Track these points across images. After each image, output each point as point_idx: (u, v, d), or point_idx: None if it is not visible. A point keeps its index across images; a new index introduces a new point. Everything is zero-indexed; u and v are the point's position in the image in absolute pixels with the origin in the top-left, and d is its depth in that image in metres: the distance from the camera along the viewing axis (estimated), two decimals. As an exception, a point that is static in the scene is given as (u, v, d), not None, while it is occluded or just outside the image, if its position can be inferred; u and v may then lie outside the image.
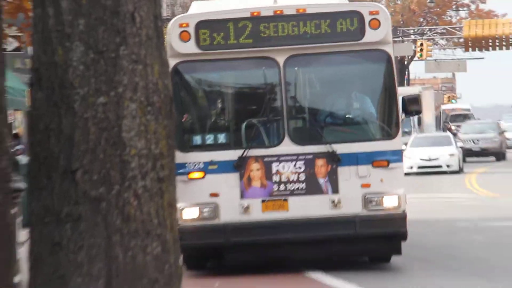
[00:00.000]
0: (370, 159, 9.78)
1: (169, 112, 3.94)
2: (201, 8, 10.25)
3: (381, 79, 10.05)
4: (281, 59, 9.48)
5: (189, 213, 9.82)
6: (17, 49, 17.47)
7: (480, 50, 69.36)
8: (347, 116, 10.35)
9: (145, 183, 3.56)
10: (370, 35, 9.95)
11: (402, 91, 15.96)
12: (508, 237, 16.26)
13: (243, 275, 10.19)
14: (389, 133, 10.06)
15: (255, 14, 9.72)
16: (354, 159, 9.79)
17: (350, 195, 9.90)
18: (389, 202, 9.99)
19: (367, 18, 9.92)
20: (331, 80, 10.33)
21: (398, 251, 10.46)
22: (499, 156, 48.22)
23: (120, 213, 3.46)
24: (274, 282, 9.99)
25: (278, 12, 9.73)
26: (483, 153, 48.00)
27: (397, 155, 9.95)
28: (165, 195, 3.70)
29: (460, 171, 38.50)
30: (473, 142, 47.05)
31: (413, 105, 10.17)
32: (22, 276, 7.31)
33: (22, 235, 8.83)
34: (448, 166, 40.07)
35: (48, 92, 3.62)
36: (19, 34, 10.61)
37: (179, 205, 8.46)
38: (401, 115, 10.29)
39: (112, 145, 3.49)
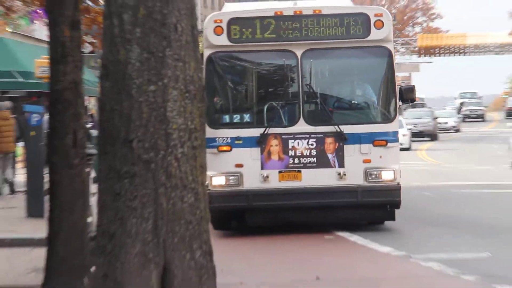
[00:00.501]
0: (371, 138, 11.00)
1: (202, 97, 5.14)
2: (232, 8, 11.94)
3: (382, 71, 11.36)
4: (299, 52, 10.90)
5: (217, 181, 10.83)
6: (91, 52, 19.53)
7: (430, 56, 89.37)
8: (353, 101, 11.77)
9: (183, 150, 4.75)
10: (375, 34, 11.23)
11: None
12: (450, 193, 20.00)
13: (262, 235, 11.25)
14: (388, 117, 11.36)
15: (278, 13, 11.14)
16: (358, 139, 10.98)
17: (354, 169, 11.05)
18: (386, 176, 11.21)
19: (373, 19, 11.24)
20: (340, 71, 11.83)
21: (393, 218, 11.69)
22: (433, 137, 58.17)
23: (165, 171, 4.66)
24: (291, 240, 11.01)
25: (298, 12, 11.23)
26: (421, 134, 56.63)
27: (394, 136, 11.36)
28: (198, 159, 4.94)
29: (409, 148, 44.15)
30: (414, 126, 54.24)
31: (409, 94, 11.67)
32: (93, 218, 8.36)
33: (93, 188, 9.72)
34: (401, 144, 43.94)
35: (113, 82, 4.78)
36: (93, 41, 11.61)
37: (209, 173, 10.10)
38: (399, 102, 11.73)
39: (159, 121, 4.62)
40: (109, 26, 4.94)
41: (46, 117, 17.42)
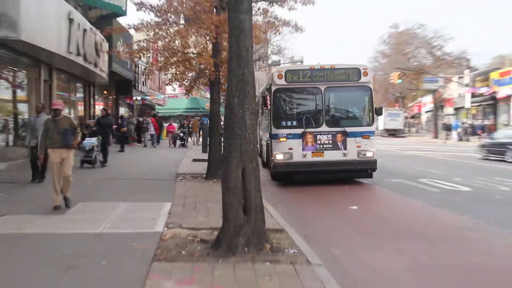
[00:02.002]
0: (361, 134, 17.94)
1: (256, 113, 9.76)
2: (287, 66, 20.18)
3: (367, 99, 17.95)
4: (322, 88, 18.09)
5: (279, 157, 17.98)
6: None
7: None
8: (351, 115, 18.28)
9: (250, 131, 9.44)
10: (363, 79, 17.80)
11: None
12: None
13: (304, 186, 17.68)
14: (370, 123, 17.93)
15: (312, 67, 17.96)
16: (354, 134, 17.87)
17: (352, 151, 17.90)
18: (369, 154, 17.70)
19: (362, 71, 17.93)
20: (344, 98, 18.15)
21: (371, 176, 18.97)
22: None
23: (244, 137, 9.46)
24: (320, 188, 17.54)
25: (322, 67, 17.85)
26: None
27: (373, 133, 17.72)
28: (254, 135, 9.71)
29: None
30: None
31: (379, 111, 18.63)
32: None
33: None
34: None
35: (229, 109, 9.71)
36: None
37: (275, 153, 18.23)
38: (375, 115, 18.43)
39: (243, 121, 9.40)
40: (227, 92, 9.62)
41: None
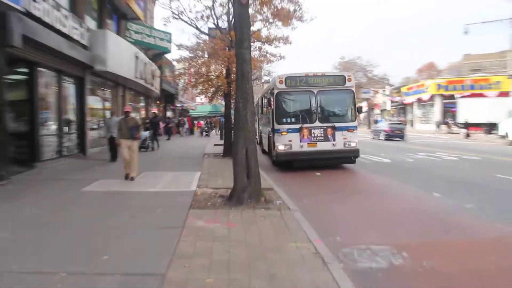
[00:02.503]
0: (347, 128, 15.38)
1: (255, 113, 10.56)
2: (286, 73, 15.64)
3: (350, 100, 15.75)
4: (315, 91, 15.35)
5: (280, 147, 15.16)
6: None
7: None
8: (338, 112, 15.82)
9: (250, 126, 9.18)
10: (347, 84, 15.61)
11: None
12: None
13: (300, 171, 15.29)
14: (353, 119, 15.66)
15: (306, 74, 15.46)
16: (341, 128, 15.29)
17: (339, 141, 15.28)
18: (353, 144, 15.45)
19: (347, 77, 15.71)
20: (333, 100, 15.80)
21: (355, 162, 16.01)
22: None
23: (246, 129, 9.15)
24: (314, 171, 15.09)
25: (315, 74, 15.50)
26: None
27: (356, 127, 15.60)
28: (253, 129, 9.40)
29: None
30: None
31: (360, 109, 16.28)
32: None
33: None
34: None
35: (236, 110, 9.46)
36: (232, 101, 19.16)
37: (277, 144, 15.24)
38: (357, 113, 15.85)
39: (245, 119, 9.17)
40: (235, 100, 9.66)
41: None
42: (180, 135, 39.54)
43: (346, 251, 6.36)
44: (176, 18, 18.20)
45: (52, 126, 16.50)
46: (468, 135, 35.41)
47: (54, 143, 16.45)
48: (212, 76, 20.65)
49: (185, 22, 18.44)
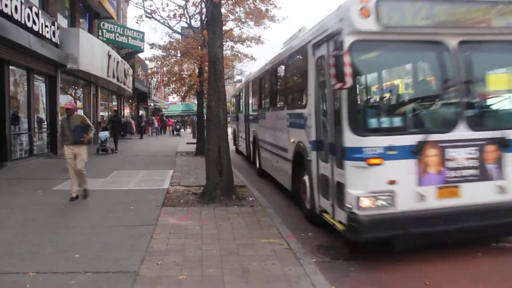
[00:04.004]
0: None
1: (227, 113, 10.03)
2: None
3: None
4: (454, 43, 5.66)
5: (366, 203, 5.41)
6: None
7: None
8: None
9: (223, 123, 9.04)
10: None
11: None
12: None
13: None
14: None
15: None
16: None
17: None
18: None
19: None
20: (507, 69, 6.61)
21: None
22: None
23: (219, 127, 8.94)
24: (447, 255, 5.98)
25: None
26: None
27: None
28: (225, 126, 9.19)
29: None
30: None
31: None
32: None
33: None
34: None
35: (209, 108, 9.31)
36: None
37: (356, 192, 5.42)
38: None
39: (218, 116, 8.95)
40: (208, 98, 9.53)
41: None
42: (149, 135, 38.28)
43: (318, 247, 6.36)
44: (149, 17, 17.98)
45: (23, 125, 16.11)
46: None
47: (24, 142, 16.07)
48: (185, 75, 20.60)
49: (158, 21, 18.24)
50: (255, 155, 13.71)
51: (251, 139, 14.41)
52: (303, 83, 7.80)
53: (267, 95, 11.97)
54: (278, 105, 10.24)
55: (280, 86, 10.64)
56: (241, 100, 17.46)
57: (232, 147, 18.04)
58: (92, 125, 9.27)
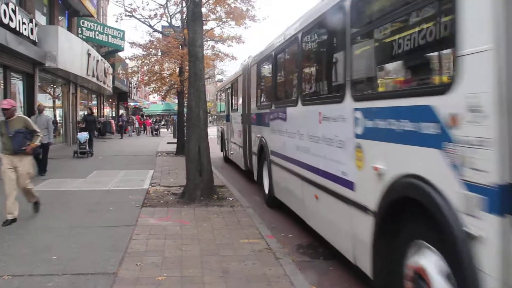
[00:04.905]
0: None
1: (207, 112, 9.82)
2: None
3: None
4: None
5: None
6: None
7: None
8: None
9: (203, 123, 9.02)
10: None
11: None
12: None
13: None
14: None
15: None
16: None
17: None
18: None
19: None
20: None
21: None
22: None
23: (199, 127, 8.94)
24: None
25: None
26: None
27: None
28: (205, 126, 9.24)
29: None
30: None
31: None
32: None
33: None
34: None
35: (189, 108, 9.37)
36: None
37: None
38: None
39: (198, 116, 8.97)
40: (188, 97, 9.47)
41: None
42: (129, 135, 37.38)
43: (298, 246, 6.37)
44: (129, 16, 17.83)
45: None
46: None
47: None
48: (165, 74, 20.53)
49: (139, 20, 18.11)
50: (261, 174, 9.52)
51: (255, 149, 9.91)
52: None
53: (293, 80, 7.24)
54: (328, 95, 5.45)
55: (336, 57, 5.13)
56: (235, 95, 13.31)
57: (218, 153, 17.46)
58: (38, 131, 7.34)
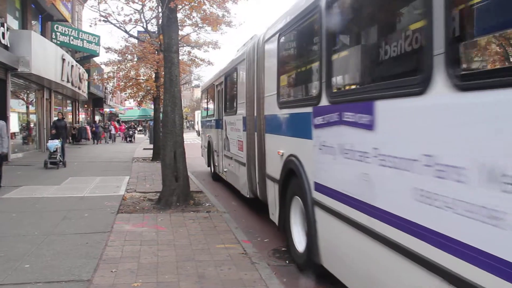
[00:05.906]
0: None
1: (182, 117, 10.60)
2: None
3: None
4: None
5: None
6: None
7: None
8: None
9: (178, 129, 9.00)
10: None
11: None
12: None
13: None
14: None
15: None
16: None
17: None
18: None
19: None
20: None
21: None
22: None
23: (174, 133, 8.94)
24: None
25: None
26: None
27: None
28: (181, 131, 9.22)
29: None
30: None
31: None
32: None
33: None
34: None
35: (165, 114, 9.21)
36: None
37: None
38: None
39: (173, 122, 8.95)
40: (164, 103, 9.40)
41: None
42: (106, 141, 36.81)
43: (274, 251, 6.41)
44: (105, 21, 17.66)
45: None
46: None
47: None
48: (141, 80, 20.43)
49: (114, 25, 17.95)
50: (289, 219, 6.00)
51: (275, 173, 6.39)
52: None
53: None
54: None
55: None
56: (232, 91, 10.21)
57: (202, 167, 15.81)
58: None
